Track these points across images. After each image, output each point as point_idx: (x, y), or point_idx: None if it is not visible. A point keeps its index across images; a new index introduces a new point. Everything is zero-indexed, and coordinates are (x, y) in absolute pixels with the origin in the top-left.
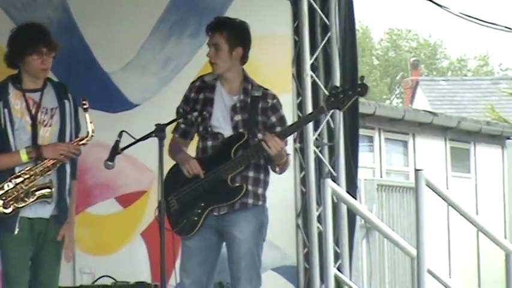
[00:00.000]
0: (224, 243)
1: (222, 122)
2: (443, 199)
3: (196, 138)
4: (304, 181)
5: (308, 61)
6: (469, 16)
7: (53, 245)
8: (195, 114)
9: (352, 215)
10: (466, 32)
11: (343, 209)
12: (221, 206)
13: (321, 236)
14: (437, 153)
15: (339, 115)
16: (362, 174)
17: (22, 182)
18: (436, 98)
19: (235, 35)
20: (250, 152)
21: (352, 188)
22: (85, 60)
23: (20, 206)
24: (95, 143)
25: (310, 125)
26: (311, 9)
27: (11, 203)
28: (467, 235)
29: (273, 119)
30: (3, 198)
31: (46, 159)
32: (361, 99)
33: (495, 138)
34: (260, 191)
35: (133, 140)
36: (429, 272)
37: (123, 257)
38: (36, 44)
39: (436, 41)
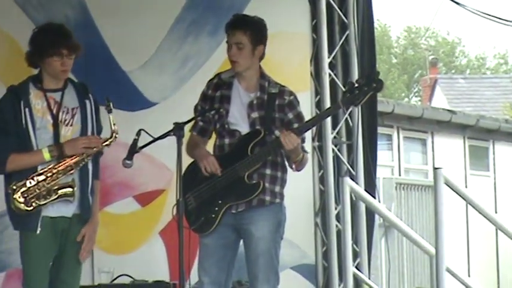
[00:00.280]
0: (242, 241)
1: (239, 119)
2: (462, 197)
3: (214, 136)
4: (322, 180)
5: (326, 59)
6: (486, 14)
7: (75, 244)
8: (212, 112)
9: (370, 213)
10: (485, 30)
11: (362, 207)
12: (238, 203)
13: (340, 234)
14: (456, 152)
15: (358, 114)
16: (380, 173)
17: (44, 180)
18: (455, 96)
19: (256, 33)
20: (266, 148)
21: (370, 186)
22: (103, 58)
23: (42, 203)
24: (113, 142)
25: (329, 124)
26: (329, 7)
27: (32, 200)
28: (486, 233)
29: (290, 115)
30: (25, 195)
31: (68, 157)
32: (380, 98)
33: None
34: (277, 188)
35: (151, 139)
36: (448, 270)
37: (141, 256)
38: (56, 46)
39: (455, 39)
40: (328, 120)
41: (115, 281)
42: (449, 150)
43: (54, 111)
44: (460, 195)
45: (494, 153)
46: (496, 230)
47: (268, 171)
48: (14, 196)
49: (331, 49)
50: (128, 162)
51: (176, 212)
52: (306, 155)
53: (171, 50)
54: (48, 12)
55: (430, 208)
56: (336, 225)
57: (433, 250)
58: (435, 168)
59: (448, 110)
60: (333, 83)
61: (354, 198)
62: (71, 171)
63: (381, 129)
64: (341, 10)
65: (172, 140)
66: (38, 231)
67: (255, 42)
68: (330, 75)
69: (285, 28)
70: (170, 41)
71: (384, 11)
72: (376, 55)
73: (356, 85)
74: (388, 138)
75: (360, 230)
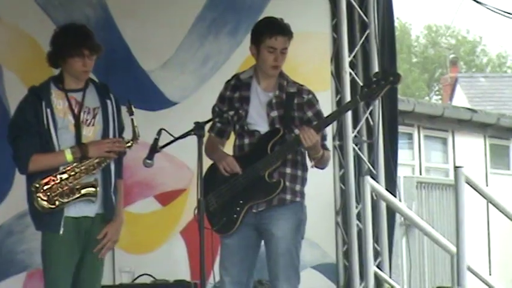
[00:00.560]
0: (262, 241)
1: (258, 119)
2: (483, 196)
3: (232, 136)
4: (343, 178)
5: (347, 58)
6: (507, 12)
7: (97, 244)
8: (231, 112)
9: (391, 212)
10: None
11: (383, 206)
12: (259, 203)
13: (361, 233)
14: (476, 150)
15: (378, 112)
16: (401, 172)
17: (67, 178)
18: (475, 95)
19: (291, 38)
20: (286, 146)
21: (391, 185)
22: (123, 58)
23: (65, 201)
24: (134, 144)
25: (349, 123)
26: (349, 6)
27: (55, 198)
28: (507, 232)
29: (309, 113)
30: (48, 193)
31: (90, 158)
32: (400, 97)
33: None
34: (298, 187)
35: (172, 138)
36: (469, 269)
37: (162, 256)
38: (78, 47)
39: (475, 38)
40: (349, 119)
41: (136, 281)
42: (470, 148)
43: (76, 112)
44: (480, 194)
45: None
46: None
47: (288, 170)
48: (37, 194)
49: (351, 48)
50: (149, 161)
51: (197, 212)
52: (328, 153)
53: (192, 49)
54: (69, 12)
55: (451, 207)
56: (357, 224)
57: (454, 249)
58: (456, 167)
59: (469, 108)
60: (353, 82)
61: (374, 197)
62: (94, 171)
63: (401, 128)
64: (361, 9)
65: (193, 139)
66: (60, 232)
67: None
68: (350, 74)
69: (305, 27)
70: (191, 41)
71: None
72: (396, 54)
73: (373, 79)
74: (408, 137)
75: (380, 229)
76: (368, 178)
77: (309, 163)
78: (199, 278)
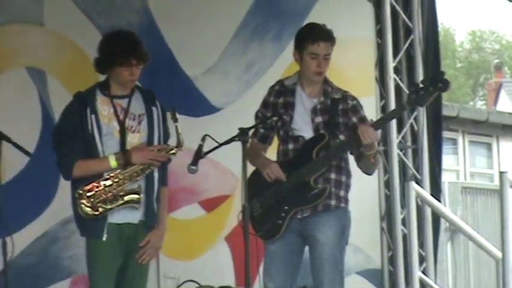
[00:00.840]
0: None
1: (302, 125)
2: None
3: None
4: (388, 184)
5: (391, 64)
6: None
7: (140, 251)
8: (275, 118)
9: (436, 217)
10: None
11: (428, 211)
12: (304, 209)
13: (406, 238)
14: None
15: (423, 118)
16: (446, 177)
17: (110, 185)
18: None
19: (334, 44)
20: (332, 152)
21: (436, 190)
22: (167, 64)
23: (108, 207)
24: (179, 151)
25: (394, 128)
26: (394, 11)
27: (99, 205)
28: None
29: (354, 119)
30: (91, 200)
31: (134, 164)
32: (445, 102)
33: None
34: (342, 193)
35: (216, 144)
36: None
37: (207, 261)
38: (126, 56)
39: None
40: (393, 124)
41: (181, 287)
42: None
43: (121, 118)
44: None
45: None
46: None
47: (333, 176)
48: (81, 200)
49: (395, 53)
50: (193, 167)
51: (242, 218)
52: (379, 155)
53: (236, 55)
54: (112, 18)
55: (496, 212)
56: (402, 230)
57: (499, 254)
58: (501, 172)
59: None
60: (397, 87)
61: (419, 203)
62: (137, 178)
63: (446, 134)
64: (405, 14)
65: (237, 145)
66: (104, 238)
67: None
68: (394, 79)
69: (349, 33)
70: (234, 46)
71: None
72: (440, 59)
73: (421, 86)
74: (453, 142)
75: (425, 235)
76: (413, 183)
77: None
78: (244, 284)
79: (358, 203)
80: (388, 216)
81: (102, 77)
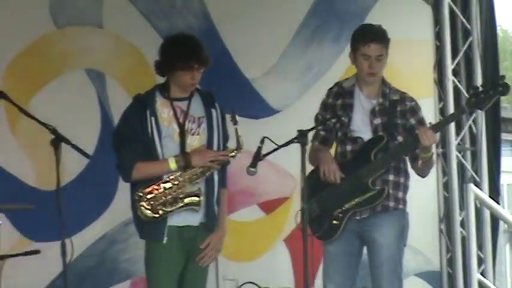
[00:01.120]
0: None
1: (361, 126)
2: None
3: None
4: (446, 186)
5: (450, 66)
6: None
7: (200, 253)
8: (334, 120)
9: (495, 219)
10: None
11: (486, 214)
12: (362, 210)
13: (464, 241)
14: None
15: (481, 120)
16: (504, 179)
17: (170, 187)
18: None
19: (388, 43)
20: (390, 154)
21: (494, 192)
22: (226, 66)
23: (168, 210)
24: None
25: (452, 130)
26: (452, 13)
27: (159, 207)
28: None
29: (412, 121)
30: (151, 202)
31: (194, 167)
32: (503, 104)
33: None
34: (400, 194)
35: (275, 146)
36: None
37: (266, 263)
38: (187, 60)
39: None
40: (452, 127)
41: None
42: None
43: (181, 120)
44: None
45: None
46: None
47: (391, 177)
48: (141, 203)
49: (454, 55)
50: (252, 169)
51: (300, 220)
52: (434, 158)
53: (295, 57)
54: (172, 20)
55: None
56: (461, 232)
57: None
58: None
59: None
60: (456, 89)
61: (478, 205)
62: (197, 180)
63: (504, 136)
64: (464, 16)
65: (296, 147)
66: (164, 241)
67: (386, 52)
68: (453, 81)
69: (408, 35)
70: (294, 48)
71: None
72: (499, 61)
73: (481, 89)
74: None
75: (484, 237)
76: (471, 185)
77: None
78: (303, 286)
79: (417, 205)
80: (446, 219)
81: (160, 79)
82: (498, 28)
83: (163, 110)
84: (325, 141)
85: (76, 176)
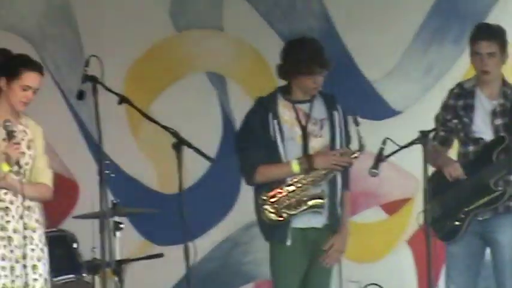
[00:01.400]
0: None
1: (482, 127)
2: None
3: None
4: None
5: None
6: None
7: (324, 255)
8: (455, 121)
9: None
10: None
11: None
12: (484, 211)
13: None
14: None
15: None
16: None
17: (294, 190)
18: None
19: (503, 42)
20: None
21: None
22: (347, 68)
23: (292, 213)
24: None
25: None
26: None
27: (282, 210)
28: None
29: None
30: (275, 205)
31: (317, 169)
32: None
33: None
34: None
35: (397, 148)
36: None
37: (389, 265)
38: (309, 65)
39: None
40: None
41: None
42: None
43: (303, 123)
44: None
45: None
46: None
47: None
48: (264, 206)
49: None
50: (374, 171)
51: (423, 221)
52: None
53: (415, 57)
54: (292, 23)
55: None
56: None
57: None
58: None
59: None
60: None
61: None
62: (320, 183)
63: None
64: None
65: (417, 148)
66: (288, 243)
67: (503, 50)
68: None
69: None
70: (414, 49)
71: None
72: None
73: None
74: None
75: None
76: None
77: None
78: (426, 287)
79: None
80: None
81: (281, 81)
82: None
83: (286, 112)
84: (444, 142)
85: (198, 179)
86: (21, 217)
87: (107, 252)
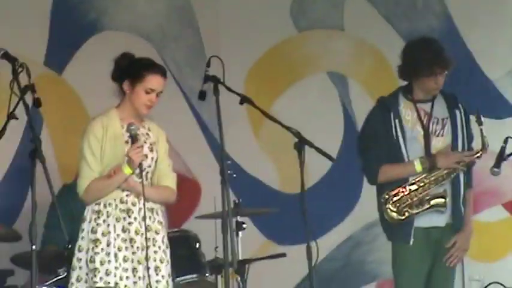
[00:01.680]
0: None
1: None
2: None
3: None
4: None
5: None
6: None
7: (447, 253)
8: None
9: None
10: None
11: None
12: None
13: None
14: None
15: None
16: None
17: (416, 189)
18: None
19: None
20: None
21: None
22: (468, 67)
23: (414, 212)
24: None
25: None
26: None
27: (405, 209)
28: None
29: None
30: (397, 205)
31: (440, 169)
32: None
33: None
34: None
35: None
36: None
37: (510, 264)
38: (431, 66)
39: None
40: None
41: None
42: None
43: (425, 122)
44: None
45: None
46: None
47: None
48: (387, 206)
49: None
50: (496, 170)
51: None
52: None
53: None
54: (413, 22)
55: None
56: None
57: None
58: None
59: None
60: None
61: None
62: (443, 182)
63: None
64: None
65: None
66: (410, 243)
67: None
68: None
69: None
70: None
71: None
72: None
73: None
74: None
75: None
76: None
77: None
78: None
79: None
80: None
81: (402, 81)
82: None
83: (407, 112)
84: None
85: (320, 179)
86: (143, 219)
87: (229, 252)
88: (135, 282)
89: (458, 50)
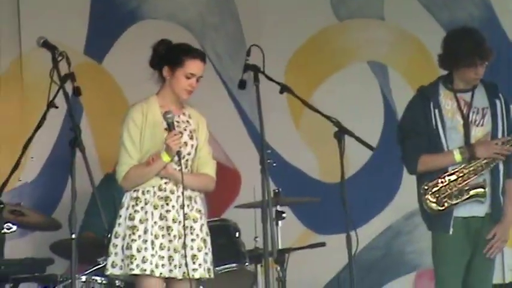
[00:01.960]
0: None
1: None
2: None
3: None
4: None
5: None
6: None
7: (486, 244)
8: None
9: None
10: None
11: None
12: None
13: None
14: None
15: None
16: None
17: (455, 180)
18: None
19: None
20: None
21: None
22: (508, 57)
23: (453, 202)
24: None
25: None
26: None
27: (444, 200)
28: None
29: None
30: (437, 195)
31: (479, 158)
32: None
33: None
34: None
35: None
36: None
37: None
38: (471, 56)
39: None
40: None
41: None
42: None
43: (465, 112)
44: None
45: None
46: None
47: None
48: (426, 196)
49: None
50: None
51: None
52: None
53: None
54: (453, 11)
55: None
56: None
57: None
58: None
59: None
60: None
61: None
62: (482, 172)
63: None
64: None
65: None
66: (450, 232)
67: None
68: None
69: None
70: None
71: None
72: None
73: None
74: None
75: None
76: None
77: None
78: None
79: None
80: None
81: (442, 70)
82: None
83: (447, 101)
84: None
85: (360, 168)
86: (181, 207)
87: (269, 241)
88: (170, 271)
89: (498, 39)
